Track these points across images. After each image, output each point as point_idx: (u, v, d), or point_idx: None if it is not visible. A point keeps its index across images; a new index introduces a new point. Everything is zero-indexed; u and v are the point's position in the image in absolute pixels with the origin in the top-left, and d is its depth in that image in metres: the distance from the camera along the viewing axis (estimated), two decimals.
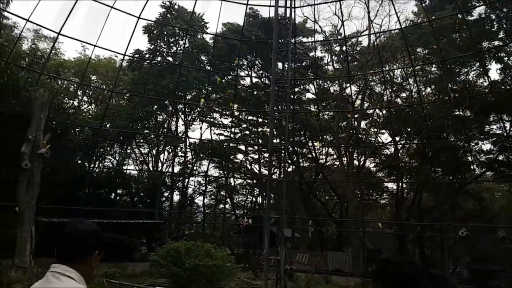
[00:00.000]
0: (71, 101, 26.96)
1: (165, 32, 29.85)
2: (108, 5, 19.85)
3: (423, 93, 28.62)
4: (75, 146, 26.54)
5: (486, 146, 28.96)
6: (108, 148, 31.18)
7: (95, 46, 20.93)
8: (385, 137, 33.03)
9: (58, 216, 19.91)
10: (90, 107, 31.33)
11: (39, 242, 13.93)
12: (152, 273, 19.32)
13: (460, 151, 28.77)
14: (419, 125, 27.20)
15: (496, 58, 25.45)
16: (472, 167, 30.29)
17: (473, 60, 25.84)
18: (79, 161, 28.20)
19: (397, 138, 31.37)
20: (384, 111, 30.10)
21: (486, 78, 25.95)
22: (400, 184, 32.72)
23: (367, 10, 25.18)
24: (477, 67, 26.72)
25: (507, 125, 27.32)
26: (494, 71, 26.48)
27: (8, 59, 20.96)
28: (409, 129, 30.16)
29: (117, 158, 32.29)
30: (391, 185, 34.54)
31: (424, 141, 28.09)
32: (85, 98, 31.10)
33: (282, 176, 17.57)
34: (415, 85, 27.68)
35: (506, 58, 25.28)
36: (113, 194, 31.40)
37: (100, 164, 30.91)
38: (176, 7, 29.34)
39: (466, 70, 27.54)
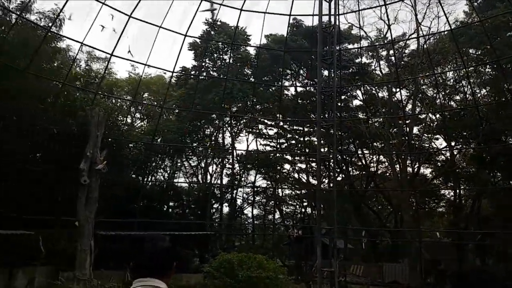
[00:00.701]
0: (125, 118, 28.14)
1: (210, 47, 30.61)
2: (156, 25, 20.70)
3: (478, 95, 27.23)
4: (129, 161, 27.61)
5: None
6: (160, 162, 32.16)
7: (145, 65, 21.88)
8: (440, 143, 31.70)
9: (115, 229, 20.72)
10: (142, 123, 32.53)
11: (98, 255, 14.48)
12: (206, 284, 19.48)
13: None
14: (475, 129, 25.84)
15: None
16: None
17: None
18: (133, 175, 29.25)
19: (453, 143, 29.95)
20: (437, 115, 28.91)
21: None
22: (457, 191, 31.12)
23: (414, 13, 24.44)
24: None
25: None
26: None
27: (65, 81, 22.30)
28: (464, 133, 28.72)
29: (168, 172, 33.23)
30: (448, 192, 32.97)
31: (481, 145, 26.64)
32: (137, 115, 32.36)
33: (331, 185, 17.24)
34: (469, 87, 26.45)
35: None
36: (166, 207, 32.25)
37: (152, 178, 31.92)
38: (219, 23, 30.02)
39: None
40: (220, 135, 34.03)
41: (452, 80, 28.66)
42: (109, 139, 22.72)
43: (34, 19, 21.62)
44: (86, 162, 14.30)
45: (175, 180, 32.98)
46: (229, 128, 33.75)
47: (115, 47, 20.49)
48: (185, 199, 32.72)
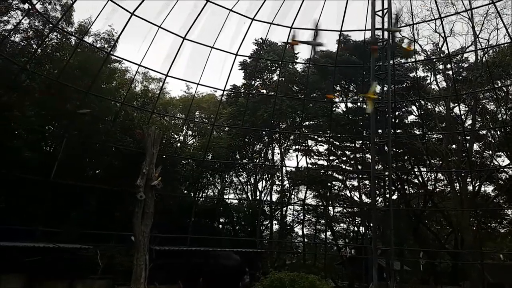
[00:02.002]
0: (178, 136, 28.95)
1: (259, 65, 31.02)
2: (209, 46, 21.30)
3: None
4: (182, 177, 28.23)
5: None
6: (210, 178, 32.63)
7: (198, 84, 22.47)
8: (502, 159, 29.75)
9: (168, 244, 21.14)
10: (193, 140, 33.31)
11: (153, 269, 14.76)
12: None
13: None
14: None
15: None
16: None
17: None
18: (185, 191, 29.84)
19: None
20: (499, 131, 27.25)
21: None
22: None
23: (472, 25, 23.41)
24: None
25: None
26: None
27: (123, 101, 23.38)
28: None
29: (218, 188, 33.61)
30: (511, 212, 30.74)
31: None
32: (190, 132, 33.19)
33: (387, 204, 16.61)
34: None
35: None
36: (216, 223, 32.53)
37: (204, 194, 32.40)
38: (267, 42, 30.45)
39: None
40: (270, 151, 34.09)
41: None
42: (164, 156, 23.39)
43: (91, 41, 22.97)
44: (143, 178, 14.71)
45: (225, 197, 33.29)
46: (278, 145, 33.74)
47: (170, 68, 21.28)
48: (235, 216, 32.84)
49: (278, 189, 34.34)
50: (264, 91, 32.79)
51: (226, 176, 33.42)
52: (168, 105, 30.56)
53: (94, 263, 18.24)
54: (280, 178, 33.91)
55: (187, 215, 26.22)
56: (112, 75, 25.40)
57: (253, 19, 21.66)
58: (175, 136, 28.56)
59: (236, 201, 33.71)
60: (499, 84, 26.61)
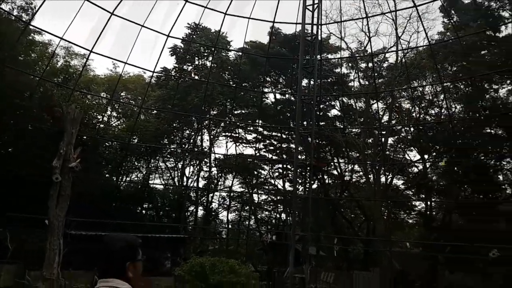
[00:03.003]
0: (101, 116, 27.72)
1: (191, 50, 30.57)
2: (139, 24, 20.56)
3: (454, 110, 28.03)
4: (104, 160, 27.17)
5: None
6: (136, 163, 31.77)
7: (125, 63, 21.66)
8: (414, 155, 32.38)
9: (88, 229, 20.34)
10: (119, 122, 32.12)
11: (68, 254, 14.20)
12: (177, 287, 19.36)
13: (491, 170, 27.85)
14: (449, 143, 26.57)
15: None
16: (503, 187, 29.20)
17: (505, 77, 25.22)
18: (108, 175, 28.79)
19: (426, 156, 30.67)
20: (412, 128, 29.58)
21: None
22: (428, 203, 31.84)
23: (395, 27, 24.95)
24: (508, 84, 26.00)
25: None
26: None
27: (42, 76, 21.87)
28: (437, 147, 29.45)
29: (143, 173, 32.86)
30: (419, 204, 33.69)
31: (453, 159, 27.36)
32: (114, 114, 31.93)
33: (307, 192, 17.43)
34: (444, 102, 27.21)
35: None
36: (140, 208, 31.83)
37: (128, 178, 31.50)
38: (201, 27, 30.11)
39: (496, 87, 26.84)
40: (199, 138, 33.96)
41: (428, 95, 29.42)
42: (85, 137, 22.34)
43: (8, 9, 21.17)
44: (59, 159, 14.00)
45: (150, 182, 32.68)
46: (207, 131, 33.71)
47: (95, 44, 20.23)
48: (160, 201, 32.39)
49: (206, 176, 34.43)
50: (196, 76, 32.44)
51: (152, 160, 32.77)
52: (91, 83, 29.04)
53: (3, 246, 17.14)
54: (208, 164, 33.99)
55: (110, 200, 25.39)
56: (31, 46, 23.57)
57: (187, 1, 21.25)
58: (98, 116, 27.33)
59: (162, 186, 33.27)
60: (415, 85, 28.82)
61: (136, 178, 32.55)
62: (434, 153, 30.60)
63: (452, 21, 26.07)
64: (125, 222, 23.28)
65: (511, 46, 23.77)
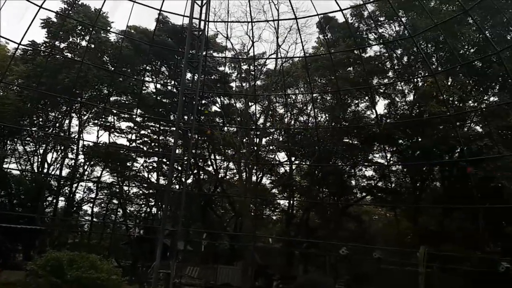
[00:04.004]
0: None
1: (66, 26, 27.92)
2: None
3: (320, 119, 30.80)
4: None
5: (369, 172, 31.99)
6: None
7: None
8: (282, 156, 34.67)
9: None
10: None
11: None
12: (28, 283, 17.56)
13: (346, 175, 31.32)
14: (313, 148, 29.11)
15: (384, 94, 28.54)
16: (354, 191, 33.06)
17: (363, 93, 28.66)
18: None
19: (293, 158, 33.11)
20: (283, 132, 31.63)
21: (373, 111, 28.96)
22: (291, 201, 34.42)
23: (276, 36, 26.37)
24: (366, 100, 29.59)
25: (388, 155, 30.62)
26: (381, 106, 29.66)
27: None
28: (303, 151, 32.00)
29: None
30: (283, 202, 36.17)
31: (315, 163, 30.02)
32: None
33: (181, 187, 17.43)
34: (312, 111, 29.74)
35: (393, 95, 28.47)
36: None
37: None
38: (79, 2, 27.78)
39: (357, 102, 30.30)
40: (67, 122, 31.26)
41: (299, 103, 31.81)
42: None
43: None
44: None
45: (5, 166, 28.96)
46: (77, 116, 31.20)
47: None
48: (15, 188, 28.99)
49: (71, 164, 31.84)
50: (69, 54, 29.74)
51: (9, 142, 29.13)
52: None
53: None
54: (75, 152, 31.50)
55: None
56: None
57: None
58: None
59: (18, 172, 29.81)
60: (289, 92, 30.91)
61: None
62: (300, 157, 33.23)
63: (326, 37, 28.67)
64: None
65: (372, 66, 27.13)
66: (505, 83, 24.51)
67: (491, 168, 21.64)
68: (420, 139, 26.54)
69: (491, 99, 27.01)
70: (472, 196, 21.01)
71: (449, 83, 24.81)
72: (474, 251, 22.48)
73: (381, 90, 28.39)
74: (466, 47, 25.60)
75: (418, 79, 27.01)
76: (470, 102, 26.37)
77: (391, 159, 30.84)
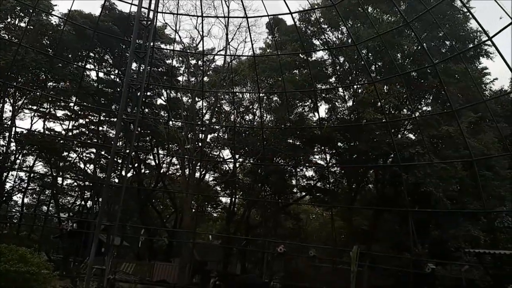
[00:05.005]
0: None
1: (6, 5, 26.04)
2: None
3: (265, 119, 31.24)
4: None
5: (309, 173, 32.98)
6: None
7: None
8: (227, 153, 34.75)
9: None
10: None
11: None
12: None
13: (287, 174, 32.07)
14: (257, 147, 29.50)
15: (326, 99, 29.55)
16: (294, 190, 33.95)
17: (307, 96, 29.49)
18: None
19: (237, 156, 33.31)
20: (229, 129, 31.74)
21: (315, 114, 29.91)
22: (233, 199, 34.62)
23: (226, 32, 26.31)
24: (309, 103, 30.47)
25: (328, 156, 31.77)
26: (323, 109, 30.69)
27: None
28: (247, 149, 32.31)
29: None
30: (225, 199, 36.32)
31: (258, 162, 30.45)
32: None
33: (121, 180, 16.97)
34: (258, 110, 30.12)
35: (333, 100, 29.54)
36: None
37: None
38: None
39: (300, 104, 31.09)
40: None
41: (246, 102, 32.06)
42: None
43: None
44: None
45: None
46: (11, 101, 29.23)
47: None
48: None
49: (2, 151, 29.82)
50: (6, 36, 27.77)
51: None
52: None
53: None
54: (6, 139, 29.53)
55: None
56: None
57: None
58: None
59: None
60: (237, 90, 31.04)
61: None
62: (244, 155, 33.52)
63: (274, 38, 29.13)
64: None
65: (316, 71, 27.98)
66: (439, 94, 26.33)
67: (421, 175, 23.16)
68: (357, 143, 27.75)
69: (424, 108, 28.97)
70: (403, 199, 22.39)
71: (385, 91, 26.17)
72: (403, 252, 23.86)
73: (323, 95, 29.35)
74: (403, 58, 27.16)
75: (358, 86, 28.25)
76: (404, 110, 28.03)
77: (331, 160, 32.03)
